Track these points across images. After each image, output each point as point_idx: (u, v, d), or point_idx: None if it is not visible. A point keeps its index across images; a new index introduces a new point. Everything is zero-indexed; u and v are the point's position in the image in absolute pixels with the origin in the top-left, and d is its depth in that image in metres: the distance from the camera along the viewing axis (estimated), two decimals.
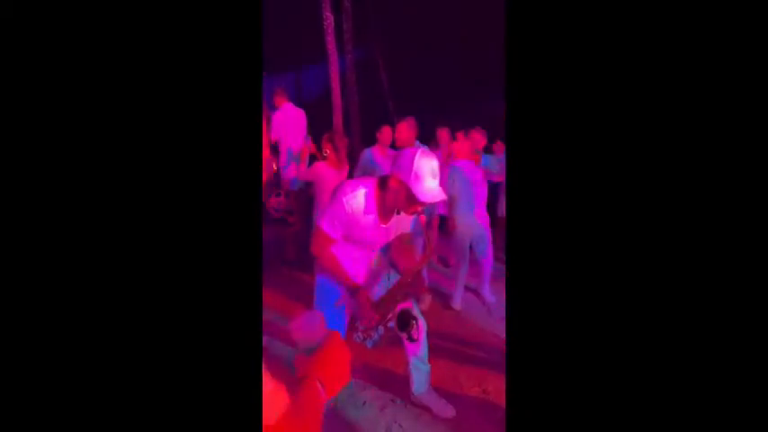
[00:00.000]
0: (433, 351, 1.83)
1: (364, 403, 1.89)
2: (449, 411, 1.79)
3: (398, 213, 1.47)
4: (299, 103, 4.01)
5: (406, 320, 1.45)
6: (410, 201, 1.34)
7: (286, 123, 3.75)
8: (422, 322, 1.62)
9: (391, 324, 1.47)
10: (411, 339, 1.47)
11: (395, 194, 1.36)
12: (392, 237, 1.57)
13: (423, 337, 1.78)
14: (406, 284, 1.47)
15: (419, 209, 1.38)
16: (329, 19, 5.03)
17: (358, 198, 1.39)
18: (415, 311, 1.48)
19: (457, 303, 2.85)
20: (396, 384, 1.97)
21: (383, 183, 1.41)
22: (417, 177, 1.30)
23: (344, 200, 1.38)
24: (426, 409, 1.82)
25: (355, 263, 1.56)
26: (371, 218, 1.42)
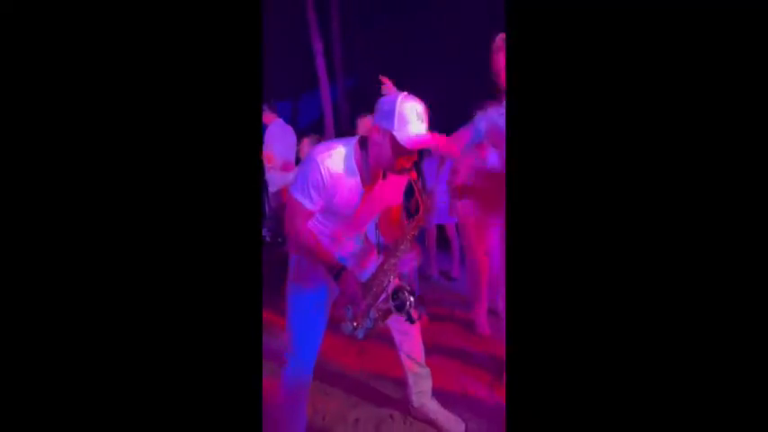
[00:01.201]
0: (434, 355, 1.56)
1: (356, 421, 1.59)
2: (457, 425, 1.50)
3: (385, 177, 1.25)
4: (295, 127, 3.91)
5: (402, 298, 1.19)
6: (396, 151, 1.12)
7: (275, 139, 3.63)
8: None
9: (385, 305, 1.21)
10: (411, 320, 1.20)
11: (378, 147, 1.14)
12: (379, 209, 1.35)
13: (417, 333, 1.51)
14: (398, 257, 1.24)
15: (408, 164, 1.17)
16: (318, 46, 5.10)
17: (335, 158, 1.16)
18: (410, 287, 1.23)
19: (485, 328, 2.37)
20: (391, 396, 1.70)
21: (364, 140, 1.21)
22: (402, 122, 1.10)
23: (319, 160, 1.15)
24: (430, 423, 1.53)
25: (337, 241, 1.33)
26: (353, 182, 1.19)
